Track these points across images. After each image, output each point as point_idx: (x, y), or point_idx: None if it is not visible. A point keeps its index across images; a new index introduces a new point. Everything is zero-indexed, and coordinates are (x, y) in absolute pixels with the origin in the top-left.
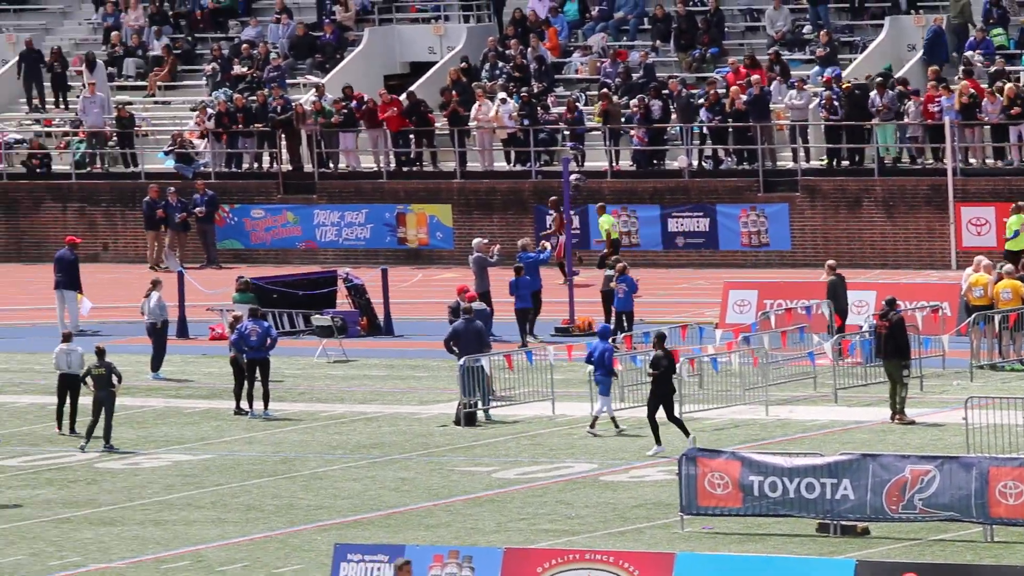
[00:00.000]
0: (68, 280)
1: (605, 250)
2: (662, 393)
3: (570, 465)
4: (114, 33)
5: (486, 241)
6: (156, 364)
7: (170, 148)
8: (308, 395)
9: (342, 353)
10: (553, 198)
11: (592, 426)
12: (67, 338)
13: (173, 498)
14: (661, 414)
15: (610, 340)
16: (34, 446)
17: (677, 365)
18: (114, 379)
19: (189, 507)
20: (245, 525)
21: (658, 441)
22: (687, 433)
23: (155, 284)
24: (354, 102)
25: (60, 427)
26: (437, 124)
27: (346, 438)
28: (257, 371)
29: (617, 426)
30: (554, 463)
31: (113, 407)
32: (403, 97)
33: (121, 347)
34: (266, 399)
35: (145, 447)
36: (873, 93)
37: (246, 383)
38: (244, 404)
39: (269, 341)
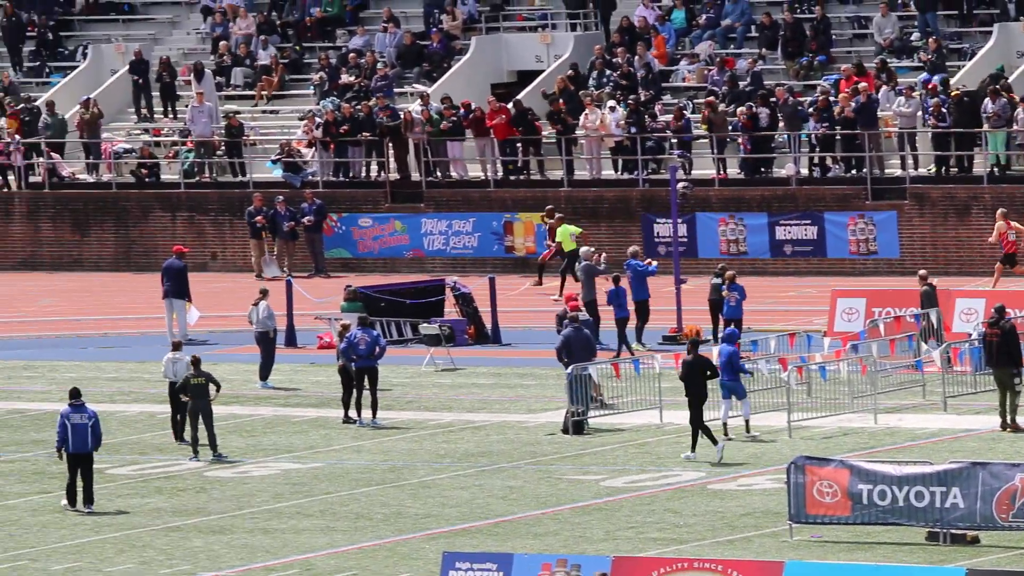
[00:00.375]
0: (177, 289)
1: (551, 255)
2: (697, 397)
3: (678, 473)
4: (222, 43)
5: (593, 250)
6: (264, 373)
7: (278, 157)
8: (416, 404)
9: (450, 362)
10: (549, 207)
11: (747, 431)
12: (176, 347)
13: (282, 506)
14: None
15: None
16: (143, 455)
17: (785, 374)
18: (212, 388)
19: (298, 515)
20: (354, 533)
21: (714, 441)
22: (693, 448)
23: (263, 293)
24: (462, 110)
25: (176, 436)
26: (544, 132)
27: (454, 446)
28: (366, 380)
29: (726, 434)
30: (662, 471)
31: (212, 416)
32: (510, 105)
33: (229, 356)
34: (374, 408)
35: (254, 455)
36: (986, 100)
37: (355, 392)
38: (352, 413)
39: (378, 350)
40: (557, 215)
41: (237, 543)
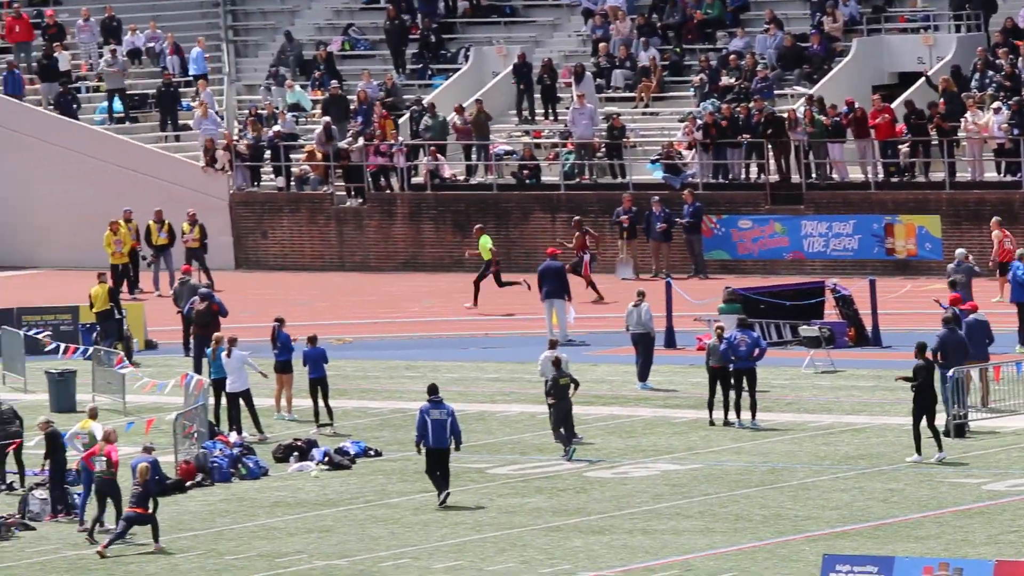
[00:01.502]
0: (557, 288)
1: (492, 268)
2: (924, 402)
3: None
4: (602, 45)
5: (965, 252)
6: (644, 374)
7: (657, 158)
8: (795, 405)
9: (830, 363)
10: (577, 218)
11: None
12: (552, 345)
13: (661, 507)
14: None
15: None
16: (524, 454)
17: None
18: (571, 388)
19: (677, 516)
20: (733, 535)
21: (918, 451)
22: (940, 448)
23: (641, 295)
24: (844, 107)
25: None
26: (931, 135)
27: (834, 449)
28: (744, 381)
29: None
30: None
31: (571, 416)
32: (894, 105)
33: (607, 357)
34: (753, 409)
35: (633, 456)
36: None
37: (732, 393)
38: (731, 415)
39: (758, 351)
40: (476, 227)
41: (616, 543)
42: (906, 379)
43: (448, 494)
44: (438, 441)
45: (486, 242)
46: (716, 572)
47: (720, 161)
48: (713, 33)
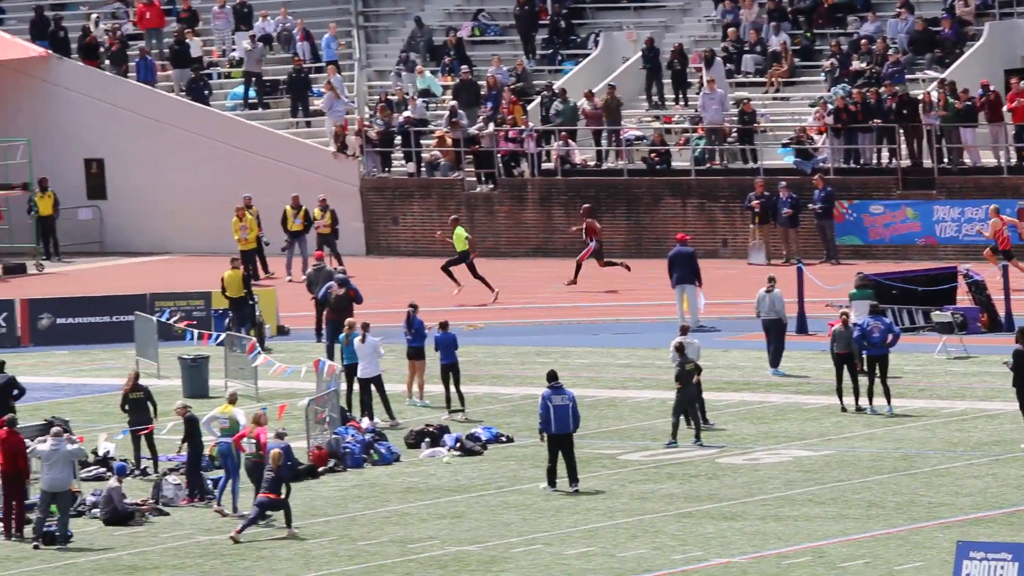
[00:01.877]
0: (688, 274)
1: (471, 256)
2: (1021, 386)
3: None
4: (731, 29)
5: None
6: (775, 360)
7: (788, 143)
8: (928, 391)
9: (963, 349)
10: (586, 205)
11: None
12: (684, 331)
13: (794, 493)
14: None
15: None
16: (655, 440)
17: None
18: (696, 374)
19: (809, 503)
20: (866, 521)
21: None
22: None
23: (772, 281)
24: (980, 90)
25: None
26: None
27: (967, 435)
28: (877, 367)
29: None
30: None
31: (701, 401)
32: None
33: (738, 343)
34: (887, 395)
35: (765, 442)
36: None
37: (864, 379)
38: (854, 400)
39: (891, 337)
40: (452, 218)
41: (748, 530)
42: (1010, 367)
43: (577, 482)
44: (561, 426)
45: (461, 233)
46: (849, 559)
47: (851, 146)
48: (844, 17)
